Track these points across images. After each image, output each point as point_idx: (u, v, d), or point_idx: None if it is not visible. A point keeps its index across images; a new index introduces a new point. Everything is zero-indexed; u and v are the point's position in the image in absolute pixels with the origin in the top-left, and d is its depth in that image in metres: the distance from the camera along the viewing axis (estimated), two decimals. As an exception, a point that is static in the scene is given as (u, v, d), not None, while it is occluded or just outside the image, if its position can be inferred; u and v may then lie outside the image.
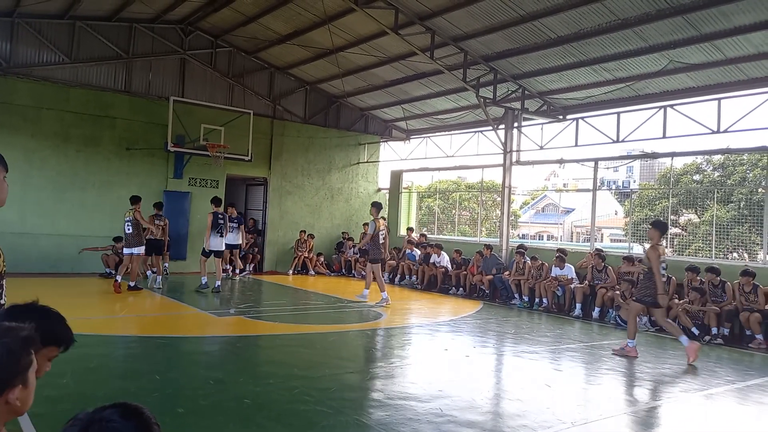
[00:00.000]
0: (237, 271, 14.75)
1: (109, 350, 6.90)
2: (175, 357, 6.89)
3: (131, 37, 14.42)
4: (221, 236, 12.15)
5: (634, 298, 8.12)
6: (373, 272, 11.19)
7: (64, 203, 13.44)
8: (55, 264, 13.07)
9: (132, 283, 11.17)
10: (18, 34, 13.07)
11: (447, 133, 17.28)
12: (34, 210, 12.90)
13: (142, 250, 11.38)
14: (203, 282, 11.87)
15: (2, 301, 2.22)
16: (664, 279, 7.69)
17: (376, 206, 11.33)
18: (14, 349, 1.48)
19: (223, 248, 12.41)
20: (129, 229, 11.12)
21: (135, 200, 11.31)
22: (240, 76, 16.14)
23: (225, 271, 13.81)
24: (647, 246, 7.85)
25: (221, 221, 12.18)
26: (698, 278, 9.93)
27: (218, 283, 11.86)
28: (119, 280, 11.00)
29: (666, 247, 10.09)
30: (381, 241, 11.14)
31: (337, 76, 15.19)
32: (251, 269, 16.03)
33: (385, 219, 11.73)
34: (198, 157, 14.82)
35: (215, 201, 12.36)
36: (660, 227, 7.96)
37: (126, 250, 11.26)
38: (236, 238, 13.76)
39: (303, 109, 17.43)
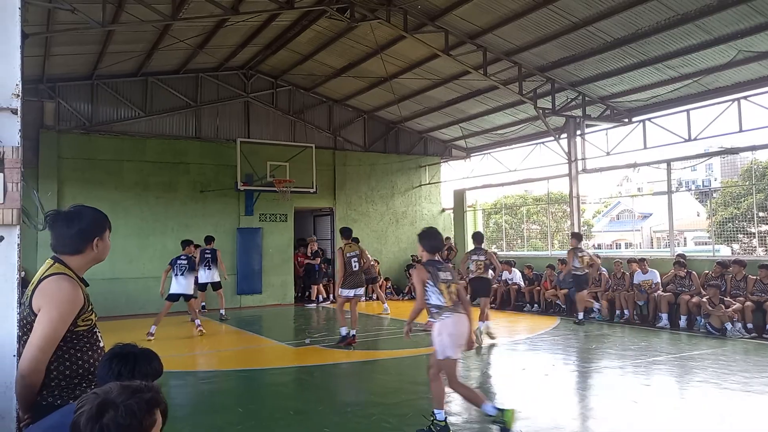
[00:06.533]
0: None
1: (193, 386, 7.21)
2: (255, 389, 7.10)
3: (198, 86, 15.31)
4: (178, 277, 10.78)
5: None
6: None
7: (148, 248, 14.26)
8: (143, 306, 13.80)
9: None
10: (98, 95, 14.19)
11: (508, 147, 17.07)
12: (122, 257, 13.74)
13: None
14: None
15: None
16: (357, 269, 9.59)
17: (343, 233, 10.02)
18: (137, 412, 1.55)
19: (180, 291, 10.76)
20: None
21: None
22: (300, 112, 16.71)
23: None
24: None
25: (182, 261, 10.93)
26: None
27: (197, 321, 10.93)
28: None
29: (757, 247, 9.59)
30: (354, 268, 9.67)
31: (393, 103, 15.43)
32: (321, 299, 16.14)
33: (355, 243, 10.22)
34: (266, 194, 15.41)
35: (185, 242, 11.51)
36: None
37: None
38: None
39: (363, 138, 17.77)
